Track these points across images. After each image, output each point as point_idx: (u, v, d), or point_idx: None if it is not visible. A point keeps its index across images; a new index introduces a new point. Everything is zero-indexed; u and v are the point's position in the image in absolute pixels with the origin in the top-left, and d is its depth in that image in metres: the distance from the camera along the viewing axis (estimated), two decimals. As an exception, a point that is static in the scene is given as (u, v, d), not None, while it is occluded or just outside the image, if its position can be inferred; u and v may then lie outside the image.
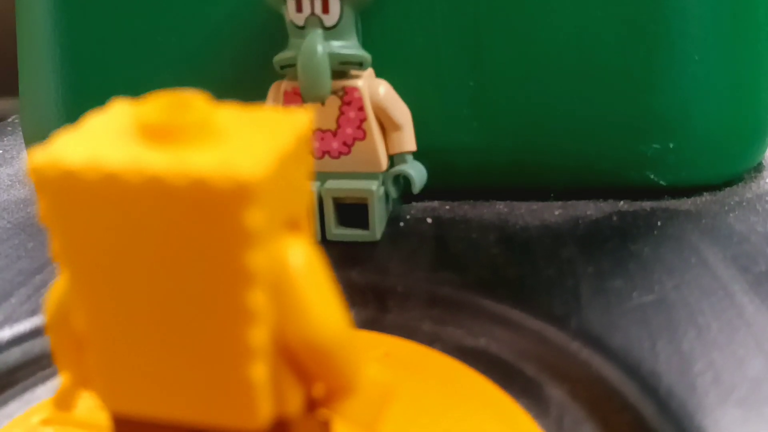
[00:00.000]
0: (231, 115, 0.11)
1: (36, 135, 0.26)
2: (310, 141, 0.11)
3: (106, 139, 0.10)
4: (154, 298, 0.10)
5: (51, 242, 0.11)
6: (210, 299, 0.10)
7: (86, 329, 0.11)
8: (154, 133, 0.10)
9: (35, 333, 0.18)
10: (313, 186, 0.22)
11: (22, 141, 0.30)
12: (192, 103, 0.11)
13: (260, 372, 0.11)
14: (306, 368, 0.11)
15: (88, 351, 0.11)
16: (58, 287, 0.11)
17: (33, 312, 0.19)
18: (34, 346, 0.18)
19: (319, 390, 0.12)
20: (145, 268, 0.10)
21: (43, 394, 0.17)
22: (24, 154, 0.30)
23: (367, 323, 0.18)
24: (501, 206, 0.23)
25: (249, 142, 0.10)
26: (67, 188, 0.10)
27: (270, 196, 0.10)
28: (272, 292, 0.11)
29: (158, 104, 0.11)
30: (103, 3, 0.24)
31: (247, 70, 0.23)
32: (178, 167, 0.09)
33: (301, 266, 0.11)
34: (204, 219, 0.10)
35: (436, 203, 0.24)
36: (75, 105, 0.25)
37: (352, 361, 0.11)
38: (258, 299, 0.10)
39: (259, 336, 0.10)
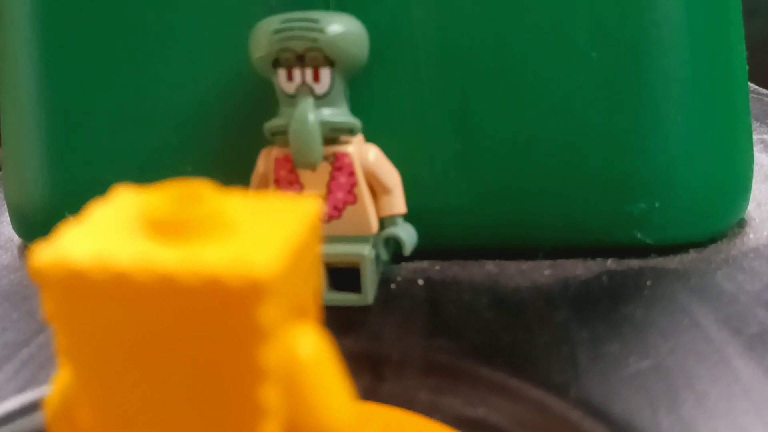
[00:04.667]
0: (240, 205, 0.11)
1: (19, 199, 0.26)
2: (318, 229, 0.11)
3: (113, 234, 0.10)
4: (163, 395, 0.10)
5: (56, 339, 0.10)
6: (221, 395, 0.10)
7: (91, 426, 0.11)
8: (163, 228, 0.10)
9: (24, 411, 0.18)
10: (304, 251, 0.22)
11: (4, 203, 0.30)
12: (201, 195, 0.11)
13: (272, 467, 0.10)
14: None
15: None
16: (60, 381, 0.11)
17: (21, 389, 0.18)
18: (23, 425, 0.18)
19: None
20: (154, 364, 0.10)
21: (34, 476, 0.17)
22: (6, 216, 0.29)
23: (364, 393, 0.18)
24: (491, 266, 0.23)
25: (260, 236, 0.10)
26: (75, 287, 0.10)
27: (282, 290, 0.10)
28: (282, 384, 0.10)
29: (166, 197, 0.10)
30: (90, 69, 0.24)
31: (236, 136, 0.23)
32: (189, 265, 0.09)
33: (310, 358, 0.11)
34: (216, 316, 0.10)
35: (426, 264, 0.24)
36: (60, 171, 0.24)
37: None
38: (270, 394, 0.10)
39: (271, 430, 0.10)
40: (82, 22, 0.23)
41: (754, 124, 0.34)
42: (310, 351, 0.11)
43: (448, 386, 0.18)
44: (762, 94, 0.39)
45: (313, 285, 0.11)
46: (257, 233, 0.10)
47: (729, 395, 0.16)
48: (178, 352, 0.10)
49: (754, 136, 0.33)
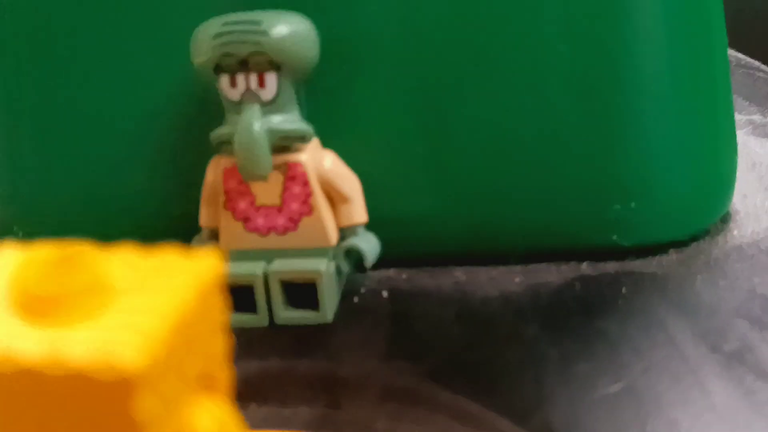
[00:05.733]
0: (126, 270, 0.10)
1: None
2: (219, 289, 0.10)
3: (-21, 311, 0.09)
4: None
5: None
6: (105, 490, 0.09)
7: None
8: (34, 305, 0.09)
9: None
10: (260, 266, 0.20)
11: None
12: (82, 261, 0.09)
13: None
14: None
15: None
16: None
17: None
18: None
19: None
20: (28, 458, 0.09)
21: None
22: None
23: (317, 422, 0.17)
24: (459, 273, 0.22)
25: (142, 309, 0.09)
26: (-69, 378, 0.09)
27: (165, 375, 0.09)
28: (181, 469, 0.09)
29: (44, 264, 0.09)
30: (35, 80, 0.22)
31: (189, 142, 0.22)
32: (54, 355, 0.08)
33: (212, 438, 0.10)
34: (88, 411, 0.08)
35: (392, 272, 0.22)
36: (7, 185, 0.23)
37: None
38: (159, 489, 0.09)
39: None
40: (25, 32, 0.22)
41: (743, 103, 0.33)
42: (212, 430, 0.10)
43: (407, 413, 0.17)
44: (753, 68, 0.38)
45: (219, 351, 0.10)
46: (138, 305, 0.09)
47: (702, 425, 0.15)
48: (52, 445, 0.09)
49: (742, 117, 0.32)
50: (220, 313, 0.10)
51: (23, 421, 0.09)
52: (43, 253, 0.10)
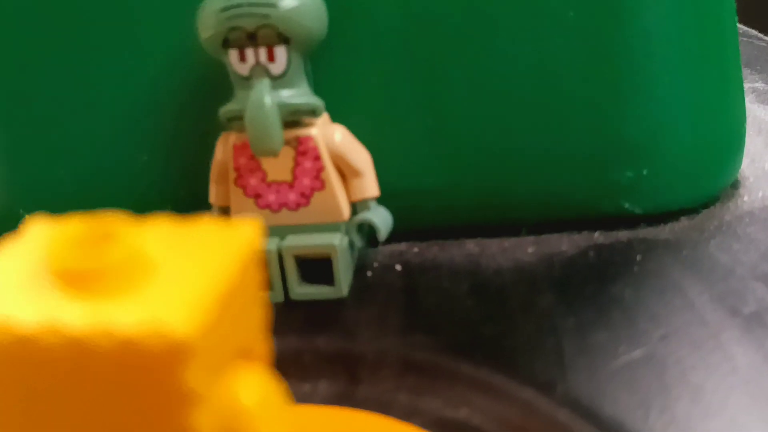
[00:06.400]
0: (162, 241, 0.09)
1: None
2: (257, 257, 0.10)
3: (17, 287, 0.09)
4: (86, 465, 0.09)
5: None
6: (152, 463, 0.09)
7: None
8: (73, 279, 0.09)
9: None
10: (273, 242, 0.20)
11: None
12: (116, 234, 0.09)
13: None
14: None
15: None
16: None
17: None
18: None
19: None
20: (73, 433, 0.09)
21: None
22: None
23: (338, 398, 0.17)
24: (471, 245, 0.22)
25: (183, 280, 0.09)
26: (-27, 353, 0.08)
27: (211, 344, 0.09)
28: (225, 439, 0.09)
29: (77, 239, 0.09)
30: (33, 60, 0.22)
31: (193, 121, 0.22)
32: (100, 325, 0.08)
33: (256, 407, 0.09)
34: (136, 381, 0.08)
35: (404, 245, 0.22)
36: (11, 169, 0.23)
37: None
38: (207, 460, 0.09)
39: (213, 496, 0.09)
40: (21, 12, 0.22)
41: (745, 72, 0.33)
42: (255, 399, 0.09)
43: (427, 386, 0.17)
44: (752, 37, 0.38)
45: (258, 322, 0.10)
46: (180, 276, 0.09)
47: (726, 388, 0.15)
48: (98, 420, 0.09)
49: (745, 85, 0.31)
50: (258, 284, 0.10)
51: (71, 393, 0.08)
52: (77, 226, 0.09)
